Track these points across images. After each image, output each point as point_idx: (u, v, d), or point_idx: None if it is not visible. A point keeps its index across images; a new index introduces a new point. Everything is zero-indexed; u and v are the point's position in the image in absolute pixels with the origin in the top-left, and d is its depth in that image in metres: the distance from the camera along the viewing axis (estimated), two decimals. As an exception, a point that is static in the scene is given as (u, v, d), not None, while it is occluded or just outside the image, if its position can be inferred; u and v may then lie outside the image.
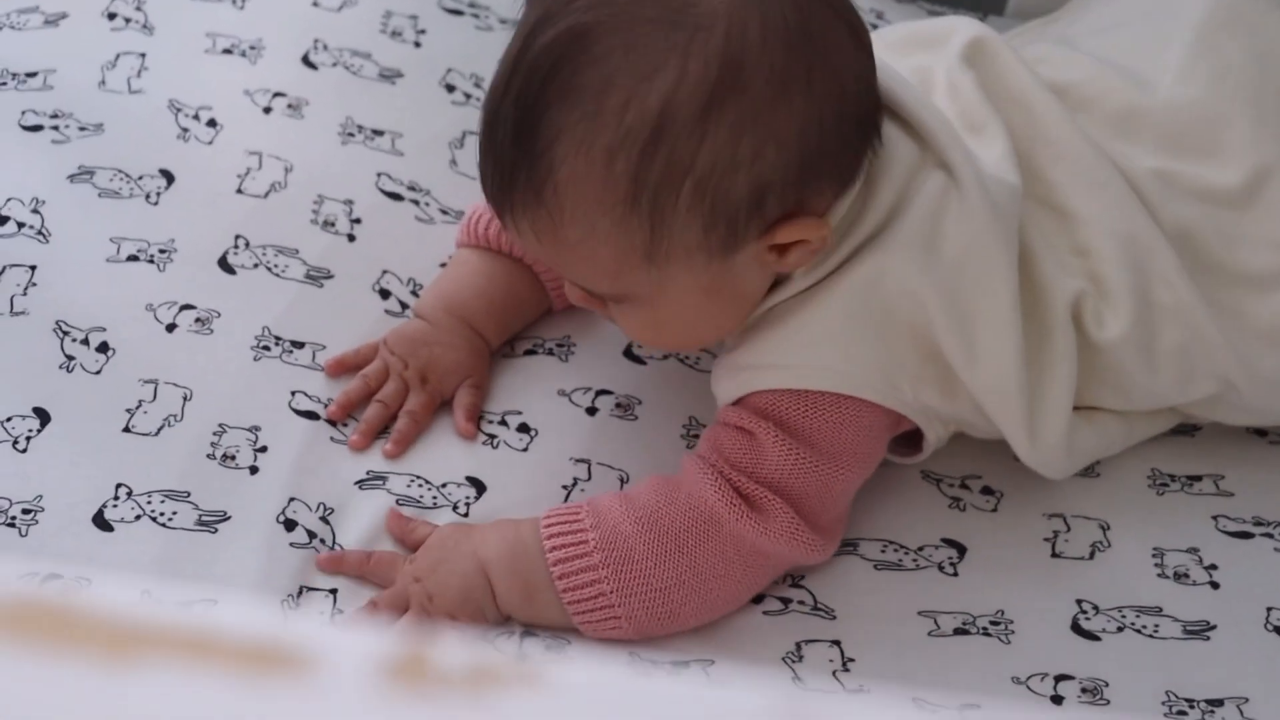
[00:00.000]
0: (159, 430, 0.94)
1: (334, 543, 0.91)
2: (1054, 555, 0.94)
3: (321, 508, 0.92)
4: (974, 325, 0.88)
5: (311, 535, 0.91)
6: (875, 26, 1.25)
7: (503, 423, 0.98)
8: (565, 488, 0.96)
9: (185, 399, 0.96)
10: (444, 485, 0.95)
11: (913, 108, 0.89)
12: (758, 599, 0.91)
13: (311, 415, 0.97)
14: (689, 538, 0.87)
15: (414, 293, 1.04)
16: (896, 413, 0.90)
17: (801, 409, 0.87)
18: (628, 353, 1.03)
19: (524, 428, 0.98)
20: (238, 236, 1.04)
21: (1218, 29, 0.99)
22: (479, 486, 0.95)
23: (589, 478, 0.96)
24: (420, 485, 0.94)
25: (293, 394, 0.97)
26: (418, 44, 1.20)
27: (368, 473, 0.94)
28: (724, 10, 0.79)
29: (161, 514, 0.90)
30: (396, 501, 0.93)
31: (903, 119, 0.89)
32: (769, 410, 0.88)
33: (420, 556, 0.89)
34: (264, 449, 0.94)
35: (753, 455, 0.88)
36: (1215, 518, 0.97)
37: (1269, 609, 0.92)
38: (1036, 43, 1.07)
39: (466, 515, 0.93)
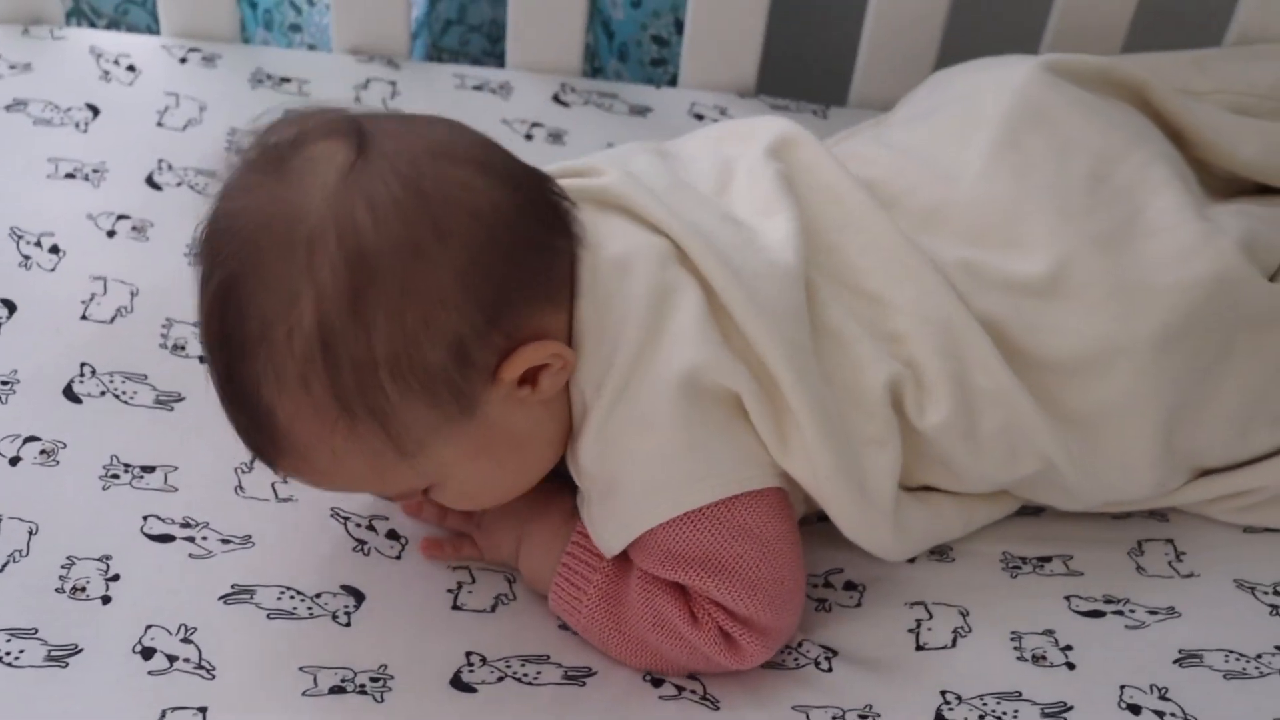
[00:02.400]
0: (3, 567, 0.92)
1: (200, 662, 0.89)
2: (919, 647, 0.95)
3: (183, 629, 0.91)
4: (779, 415, 0.90)
5: (172, 659, 0.89)
6: (717, 120, 1.28)
7: (370, 528, 0.98)
8: (451, 591, 0.96)
9: (31, 533, 0.94)
10: (319, 595, 0.94)
11: (647, 209, 0.91)
12: (657, 682, 0.93)
13: (166, 539, 0.95)
14: (670, 650, 0.91)
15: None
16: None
17: (704, 531, 0.88)
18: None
19: (393, 534, 0.98)
20: (83, 364, 1.03)
21: (1020, 123, 1.01)
22: (357, 595, 0.94)
23: (473, 580, 0.96)
24: (293, 597, 0.93)
25: (145, 519, 0.96)
26: (264, 160, 1.19)
27: (233, 587, 0.93)
28: (329, 211, 0.80)
29: (7, 653, 0.88)
30: (267, 616, 0.92)
31: (646, 218, 0.92)
32: (680, 550, 0.89)
33: (485, 524, 0.97)
34: (116, 578, 0.92)
35: (705, 600, 0.90)
36: (1068, 598, 0.99)
37: (1122, 686, 0.94)
38: (854, 139, 1.09)
39: (349, 625, 0.92)
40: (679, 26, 1.39)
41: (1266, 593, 0.99)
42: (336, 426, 0.82)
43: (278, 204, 0.81)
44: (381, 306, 0.80)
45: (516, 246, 0.84)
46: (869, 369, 0.92)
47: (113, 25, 1.48)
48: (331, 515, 0.98)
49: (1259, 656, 0.95)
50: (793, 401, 0.89)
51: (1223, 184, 1.09)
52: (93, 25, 1.47)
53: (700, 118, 1.29)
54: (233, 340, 0.82)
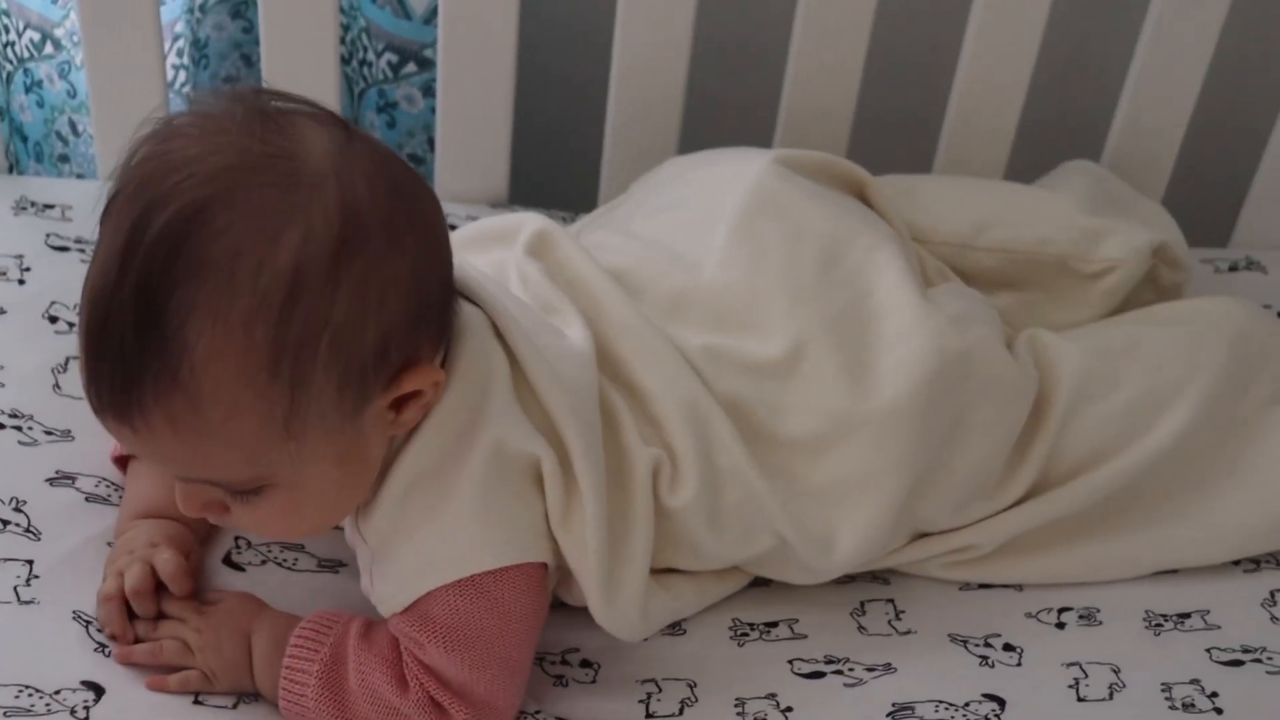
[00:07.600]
0: None
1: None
2: (648, 716, 0.99)
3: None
4: (569, 487, 0.94)
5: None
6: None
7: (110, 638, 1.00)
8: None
9: None
10: (58, 692, 0.95)
11: (477, 286, 0.96)
12: None
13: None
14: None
15: (17, 509, 1.05)
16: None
17: (470, 599, 0.92)
18: (228, 560, 1.05)
19: (136, 639, 0.99)
20: None
21: (755, 214, 1.08)
22: (97, 690, 0.96)
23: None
24: (31, 694, 0.94)
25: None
26: (22, 281, 1.23)
27: (-36, 699, 0.94)
28: (330, 169, 0.83)
29: None
30: (4, 714, 0.93)
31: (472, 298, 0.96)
32: (437, 615, 0.92)
33: (206, 627, 0.97)
34: None
35: (432, 665, 0.93)
36: (791, 661, 1.04)
37: (840, 743, 0.99)
38: (599, 230, 1.16)
39: (86, 718, 0.94)
40: (431, 144, 1.45)
41: (977, 645, 1.05)
42: (255, 379, 0.82)
43: (273, 147, 0.83)
44: (357, 269, 0.83)
45: (447, 269, 0.91)
46: (635, 453, 0.98)
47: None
48: (73, 618, 1.00)
49: (967, 704, 1.01)
50: (580, 474, 0.94)
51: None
52: None
53: (453, 228, 1.34)
54: (183, 262, 0.79)
